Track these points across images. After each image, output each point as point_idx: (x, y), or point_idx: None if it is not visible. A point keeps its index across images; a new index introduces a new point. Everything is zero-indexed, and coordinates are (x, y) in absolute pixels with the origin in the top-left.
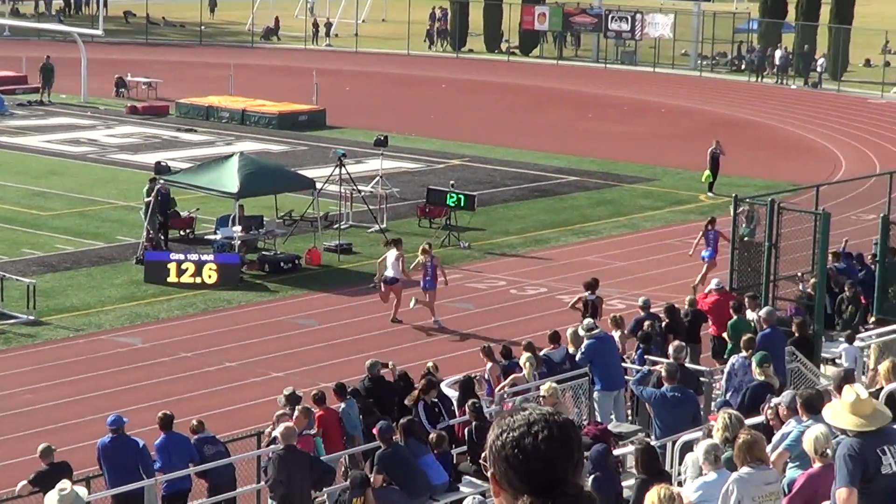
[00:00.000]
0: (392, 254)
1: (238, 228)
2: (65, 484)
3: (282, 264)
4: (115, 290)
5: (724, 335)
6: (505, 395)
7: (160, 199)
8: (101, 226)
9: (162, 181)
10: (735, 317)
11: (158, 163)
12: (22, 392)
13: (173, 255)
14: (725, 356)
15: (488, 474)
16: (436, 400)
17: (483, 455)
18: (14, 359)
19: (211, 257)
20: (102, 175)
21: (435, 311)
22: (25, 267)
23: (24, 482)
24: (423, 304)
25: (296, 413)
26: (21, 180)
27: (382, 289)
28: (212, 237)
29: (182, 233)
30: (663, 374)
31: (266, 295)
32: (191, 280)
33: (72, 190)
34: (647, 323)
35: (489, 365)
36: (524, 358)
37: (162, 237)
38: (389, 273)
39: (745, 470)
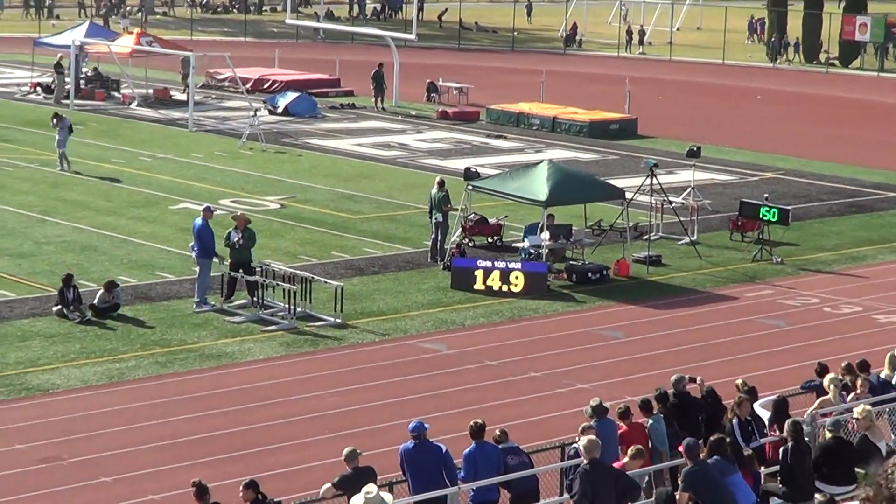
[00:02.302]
0: None
1: (546, 237)
2: (371, 488)
3: (589, 274)
4: (421, 296)
5: None
6: (816, 417)
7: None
8: (409, 230)
9: (470, 187)
10: None
11: (468, 168)
12: (328, 394)
13: (480, 263)
14: None
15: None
16: (749, 418)
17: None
18: (321, 361)
19: (518, 265)
20: (411, 179)
21: None
22: (334, 269)
23: (328, 485)
24: None
25: (630, 453)
26: (331, 183)
27: None
28: (519, 245)
29: (490, 240)
30: None
31: (573, 305)
32: (497, 288)
33: (381, 194)
34: None
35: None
36: (828, 379)
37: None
38: None
39: None
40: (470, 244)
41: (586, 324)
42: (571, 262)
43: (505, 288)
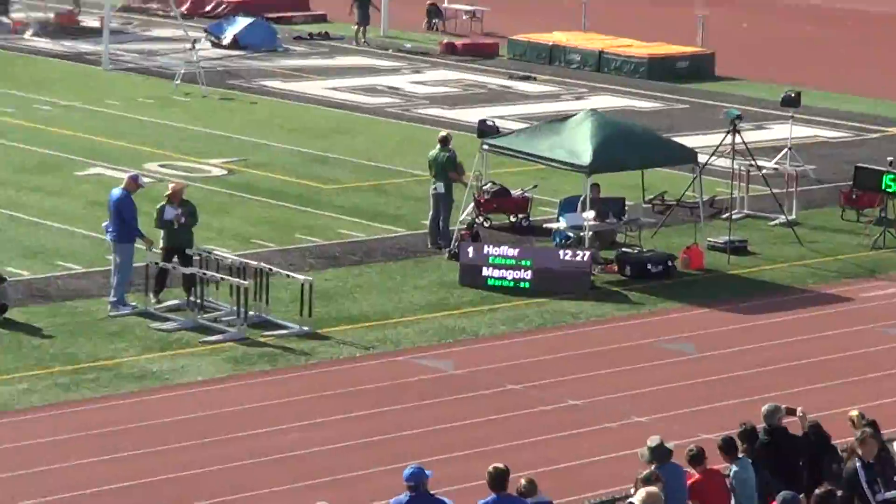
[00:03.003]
0: None
1: (590, 215)
2: None
3: (649, 266)
4: (419, 295)
5: None
6: None
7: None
8: (403, 206)
9: (486, 146)
10: None
11: (483, 121)
12: (290, 429)
13: (499, 250)
14: None
15: None
16: (872, 462)
17: None
18: (282, 384)
19: (551, 253)
20: (406, 136)
21: None
22: (299, 259)
23: None
24: None
25: None
26: (296, 141)
27: None
28: (553, 226)
29: (512, 218)
30: None
31: (625, 308)
32: (519, 283)
33: (364, 156)
34: None
35: None
36: None
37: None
38: None
39: None
40: (485, 224)
41: (644, 333)
42: (624, 249)
43: (533, 284)
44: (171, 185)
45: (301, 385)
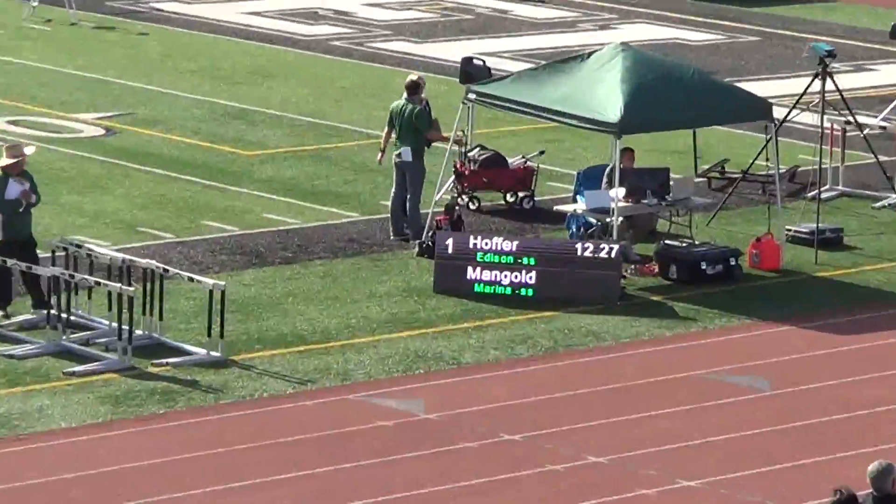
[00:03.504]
0: None
1: (620, 193)
2: None
3: (703, 265)
4: (376, 306)
5: None
6: None
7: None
8: (354, 179)
9: (473, 96)
10: None
11: (468, 60)
12: (193, 496)
13: (489, 242)
14: None
15: None
16: None
17: None
18: (182, 432)
19: (564, 249)
20: (357, 79)
21: None
22: (208, 255)
23: None
24: None
25: None
26: (203, 88)
27: None
28: (567, 208)
29: (510, 198)
30: None
31: (670, 324)
32: (519, 290)
33: (296, 108)
34: None
35: None
36: None
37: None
38: None
39: None
40: (471, 206)
41: (695, 362)
42: (668, 241)
43: (538, 291)
44: (7, 151)
45: (209, 434)
